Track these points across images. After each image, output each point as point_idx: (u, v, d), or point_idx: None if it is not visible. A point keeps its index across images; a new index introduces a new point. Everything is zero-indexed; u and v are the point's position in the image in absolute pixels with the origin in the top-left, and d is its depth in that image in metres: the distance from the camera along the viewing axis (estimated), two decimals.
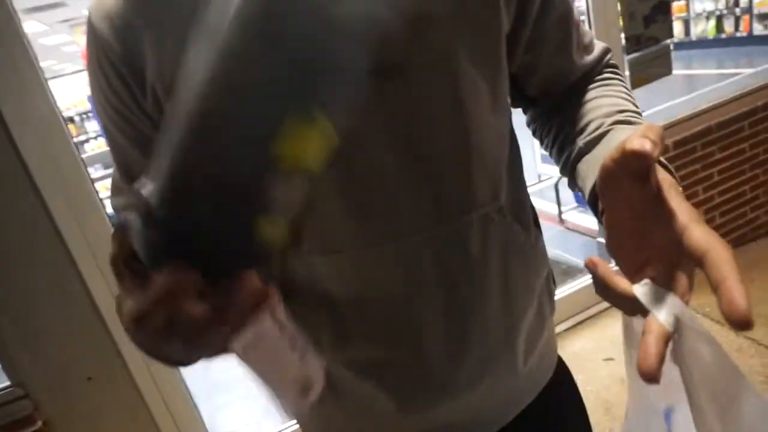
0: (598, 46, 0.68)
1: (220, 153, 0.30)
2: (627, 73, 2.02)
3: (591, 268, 0.41)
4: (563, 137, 0.63)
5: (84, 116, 7.09)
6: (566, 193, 3.67)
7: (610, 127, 0.56)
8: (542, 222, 0.71)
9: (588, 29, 0.72)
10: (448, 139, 0.55)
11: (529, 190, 0.69)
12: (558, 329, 2.30)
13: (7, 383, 1.53)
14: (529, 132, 0.74)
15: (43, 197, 1.39)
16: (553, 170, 3.73)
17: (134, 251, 0.32)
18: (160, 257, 0.31)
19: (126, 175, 0.60)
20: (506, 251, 0.62)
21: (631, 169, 0.37)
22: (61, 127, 1.42)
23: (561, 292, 2.36)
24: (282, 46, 0.29)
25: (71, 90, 7.12)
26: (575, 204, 3.72)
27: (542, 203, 3.85)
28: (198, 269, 0.31)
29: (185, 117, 0.30)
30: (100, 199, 1.53)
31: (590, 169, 0.54)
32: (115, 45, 0.52)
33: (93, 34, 0.53)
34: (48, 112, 1.38)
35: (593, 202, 0.52)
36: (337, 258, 0.58)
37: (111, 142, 0.59)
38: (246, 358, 0.35)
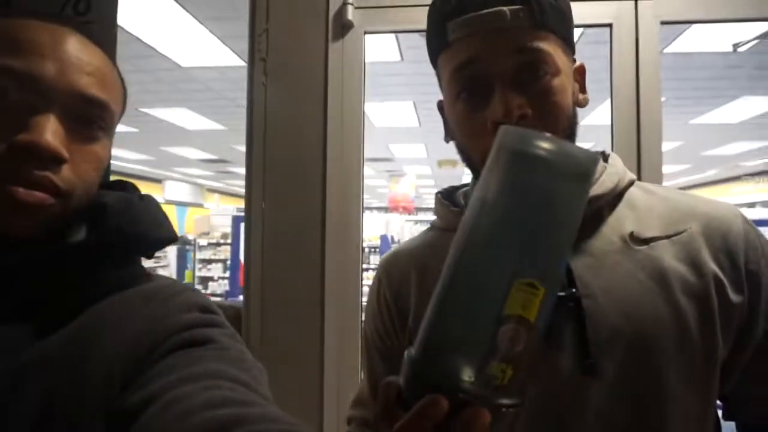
0: None
1: (464, 309, 0.38)
2: None
3: None
4: None
5: (372, 250, 8.23)
6: None
7: None
8: None
9: None
10: None
11: None
12: None
13: None
14: None
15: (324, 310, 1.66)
16: None
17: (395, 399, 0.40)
18: (419, 392, 0.38)
19: (373, 388, 0.76)
20: None
21: None
22: (358, 252, 1.72)
23: None
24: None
25: (371, 222, 8.50)
26: None
27: None
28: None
29: (440, 284, 0.40)
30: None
31: None
32: (390, 294, 0.73)
33: (378, 281, 0.76)
34: (355, 234, 1.70)
35: None
36: None
37: (368, 360, 0.78)
38: None
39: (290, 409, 1.65)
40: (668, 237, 0.63)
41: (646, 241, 0.63)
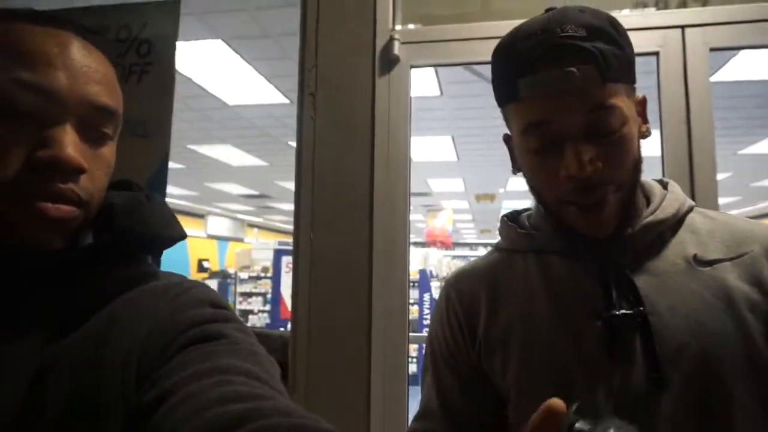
0: None
1: None
2: None
3: None
4: None
5: (412, 284, 8.18)
6: None
7: None
8: None
9: None
10: None
11: None
12: None
13: None
14: None
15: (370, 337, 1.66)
16: None
17: None
18: None
19: (442, 402, 0.77)
20: None
21: None
22: (404, 286, 1.72)
23: None
24: None
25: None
26: None
27: None
28: None
29: None
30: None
31: None
32: (461, 309, 0.77)
33: (447, 297, 0.79)
34: (401, 270, 1.70)
35: None
36: None
37: (435, 373, 0.79)
38: None
39: None
40: (731, 259, 0.67)
41: (710, 263, 0.67)
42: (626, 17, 1.56)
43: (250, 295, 8.96)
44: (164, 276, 0.58)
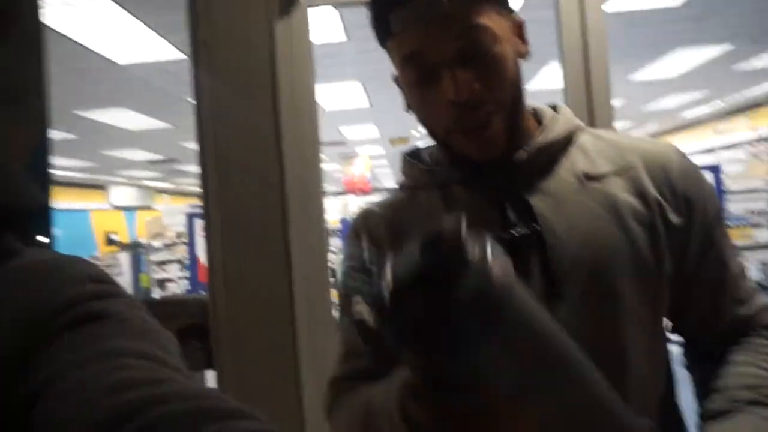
0: (758, 303, 0.75)
1: None
2: None
3: None
4: (702, 390, 0.71)
5: (333, 232, 8.21)
6: None
7: (740, 405, 0.64)
8: None
9: (752, 285, 0.78)
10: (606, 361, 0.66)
11: None
12: None
13: None
14: None
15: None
16: None
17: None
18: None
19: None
20: None
21: None
22: (323, 233, 1.69)
23: None
24: None
25: (329, 207, 8.43)
26: None
27: None
28: None
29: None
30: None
31: None
32: (370, 240, 0.76)
33: (356, 230, 0.79)
34: (317, 218, 1.67)
35: None
36: None
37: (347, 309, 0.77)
38: None
39: (267, 401, 1.62)
40: (616, 174, 0.72)
41: (598, 178, 0.71)
42: None
43: (165, 263, 8.61)
44: (30, 253, 0.50)
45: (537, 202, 0.69)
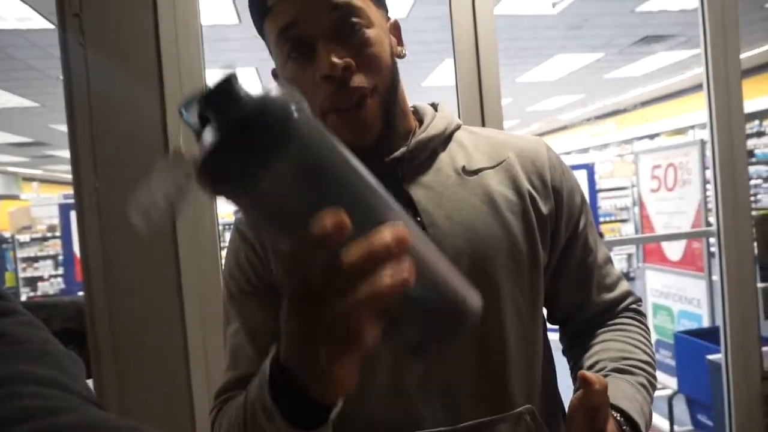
0: (622, 288, 0.83)
1: None
2: (761, 303, 1.89)
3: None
4: (575, 368, 0.78)
5: (226, 227, 7.92)
6: (681, 410, 3.28)
7: (608, 373, 0.72)
8: None
9: (617, 272, 0.85)
10: (488, 347, 0.71)
11: None
12: None
13: None
14: None
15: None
16: (670, 383, 3.40)
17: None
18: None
19: (253, 340, 0.73)
20: None
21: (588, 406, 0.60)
22: (214, 229, 1.60)
23: None
24: None
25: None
26: (691, 427, 3.30)
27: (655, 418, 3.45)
28: None
29: None
30: None
31: None
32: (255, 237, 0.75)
33: (240, 233, 0.77)
34: (209, 212, 1.58)
35: None
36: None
37: (240, 319, 0.75)
38: None
39: (156, 413, 1.50)
40: (492, 167, 0.76)
41: (476, 172, 0.75)
42: None
43: (36, 259, 7.76)
44: None
45: (419, 195, 0.71)
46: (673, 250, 3.81)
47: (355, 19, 0.67)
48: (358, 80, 0.66)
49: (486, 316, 0.66)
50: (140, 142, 1.41)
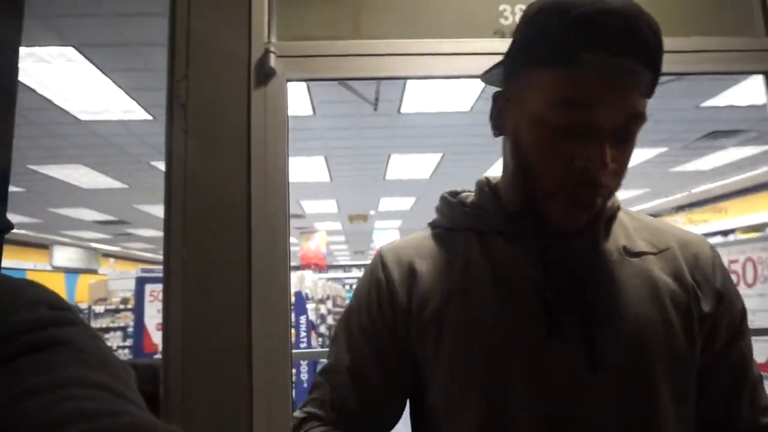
0: None
1: None
2: None
3: None
4: None
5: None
6: None
7: None
8: None
9: None
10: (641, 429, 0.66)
11: None
12: None
13: None
14: None
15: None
16: None
17: None
18: None
19: (356, 371, 0.74)
20: None
21: None
22: (286, 309, 1.65)
23: None
24: None
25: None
26: None
27: None
28: None
29: None
30: None
31: None
32: (397, 276, 0.75)
33: (382, 265, 0.77)
34: (282, 293, 1.64)
35: None
36: None
37: (348, 345, 0.76)
38: None
39: None
40: (654, 253, 0.72)
41: (638, 254, 0.72)
42: None
43: (107, 330, 8.12)
44: None
45: (581, 268, 0.69)
46: (762, 349, 3.53)
47: (636, 129, 0.64)
48: (606, 182, 0.64)
49: (639, 406, 0.64)
50: (225, 220, 1.53)
